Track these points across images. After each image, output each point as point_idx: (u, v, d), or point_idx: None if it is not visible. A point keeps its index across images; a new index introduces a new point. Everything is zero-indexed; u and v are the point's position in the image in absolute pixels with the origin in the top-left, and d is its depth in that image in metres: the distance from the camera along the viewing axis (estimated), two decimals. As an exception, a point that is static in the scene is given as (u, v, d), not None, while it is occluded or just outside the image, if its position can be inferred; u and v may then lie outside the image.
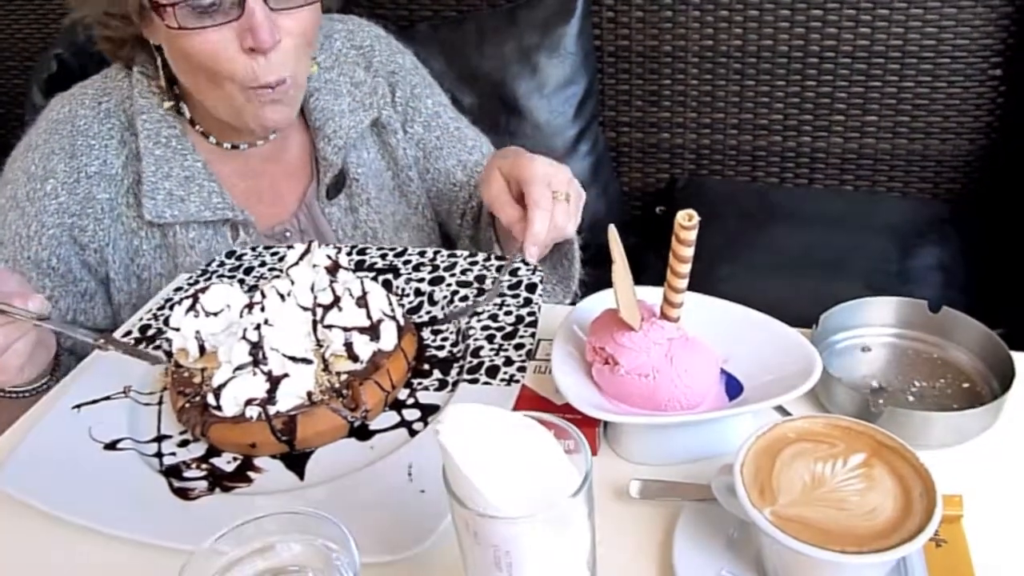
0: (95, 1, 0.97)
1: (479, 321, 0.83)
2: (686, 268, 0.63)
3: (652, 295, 0.70)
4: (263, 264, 0.97)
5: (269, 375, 0.70)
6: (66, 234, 1.01)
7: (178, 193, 1.00)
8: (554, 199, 0.87)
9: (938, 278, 1.48)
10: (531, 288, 0.87)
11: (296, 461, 0.71)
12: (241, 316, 0.77)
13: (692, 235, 0.61)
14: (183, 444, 0.74)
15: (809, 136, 1.68)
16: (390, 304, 0.78)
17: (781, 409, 0.70)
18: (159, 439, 0.74)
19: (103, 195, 1.02)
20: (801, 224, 1.58)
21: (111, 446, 0.73)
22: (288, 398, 0.71)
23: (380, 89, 1.14)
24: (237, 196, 1.05)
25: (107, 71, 1.08)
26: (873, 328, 0.81)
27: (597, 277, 1.69)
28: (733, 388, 0.70)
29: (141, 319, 0.90)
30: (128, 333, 0.88)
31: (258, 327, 0.73)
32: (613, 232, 0.65)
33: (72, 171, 1.01)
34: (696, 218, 0.60)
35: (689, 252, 0.62)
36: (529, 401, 0.74)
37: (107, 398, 0.78)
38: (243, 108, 0.96)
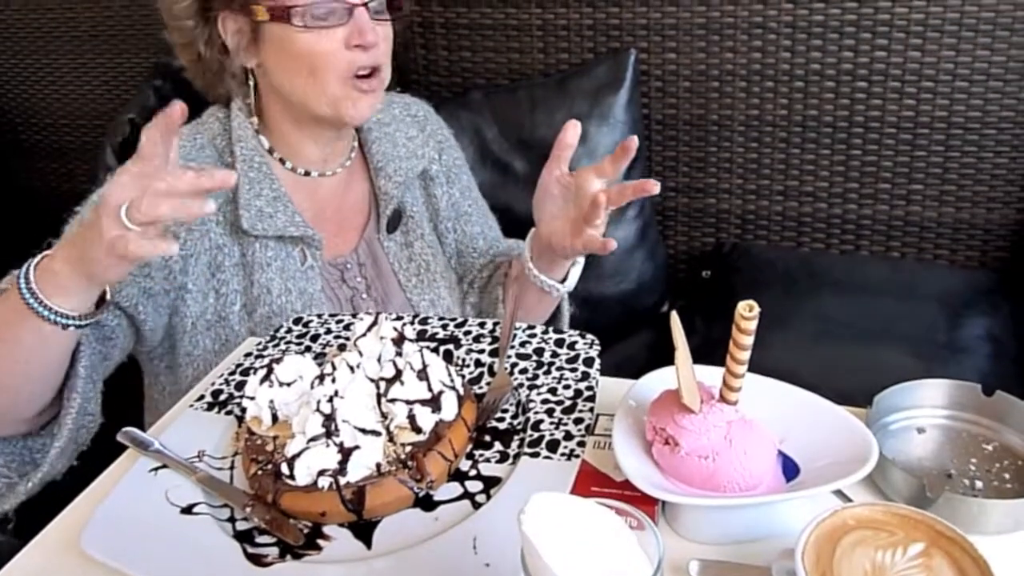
0: (193, 44, 1.16)
1: (539, 394, 0.86)
2: (746, 355, 0.66)
3: (710, 375, 0.72)
4: (329, 331, 1.01)
5: (341, 447, 0.74)
6: None
7: (267, 211, 1.14)
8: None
9: (987, 348, 1.47)
10: (588, 362, 0.89)
11: (363, 530, 0.74)
12: (312, 387, 0.80)
13: (752, 325, 0.64)
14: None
15: (855, 203, 1.70)
16: (449, 374, 0.81)
17: (838, 491, 0.71)
18: (231, 504, 0.78)
19: None
20: (847, 291, 1.58)
21: (187, 510, 0.76)
22: (358, 469, 0.74)
23: (430, 144, 1.31)
24: (309, 221, 1.18)
25: (197, 120, 1.22)
26: (926, 409, 0.82)
27: (641, 343, 1.71)
28: (790, 469, 0.72)
29: (213, 383, 0.94)
30: (201, 397, 0.92)
31: (331, 399, 0.76)
32: (675, 320, 0.67)
33: None
34: (756, 309, 0.63)
35: (749, 341, 0.65)
36: (588, 476, 0.76)
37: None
38: (340, 99, 1.12)
